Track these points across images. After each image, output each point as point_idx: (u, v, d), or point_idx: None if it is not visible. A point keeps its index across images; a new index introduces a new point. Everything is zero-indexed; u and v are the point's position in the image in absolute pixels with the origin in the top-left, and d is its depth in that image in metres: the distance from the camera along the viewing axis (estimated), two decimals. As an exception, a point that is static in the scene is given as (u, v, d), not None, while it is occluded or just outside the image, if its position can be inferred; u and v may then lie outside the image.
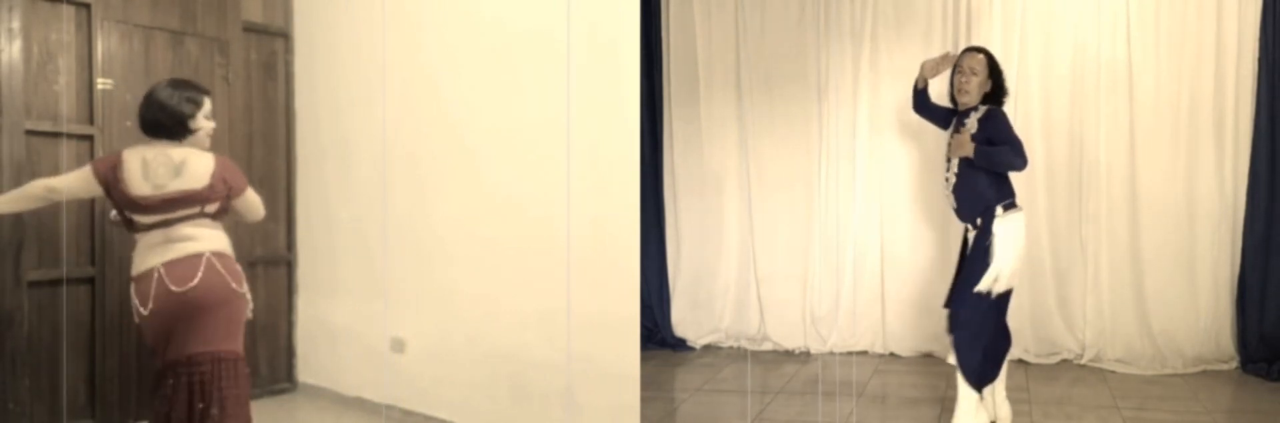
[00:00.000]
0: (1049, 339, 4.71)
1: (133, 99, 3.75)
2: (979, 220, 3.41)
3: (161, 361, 2.81)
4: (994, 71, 3.48)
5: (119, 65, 3.71)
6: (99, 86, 3.65)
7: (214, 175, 2.83)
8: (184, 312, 2.75)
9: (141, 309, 2.77)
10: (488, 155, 3.61)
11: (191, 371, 2.76)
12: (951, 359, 3.42)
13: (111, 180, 2.77)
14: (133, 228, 2.85)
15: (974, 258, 3.39)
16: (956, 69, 3.51)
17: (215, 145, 2.99)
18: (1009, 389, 3.63)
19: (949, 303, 3.46)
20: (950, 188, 3.49)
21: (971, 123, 3.45)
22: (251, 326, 3.09)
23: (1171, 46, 4.48)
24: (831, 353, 5.01)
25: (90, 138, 3.63)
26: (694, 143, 5.27)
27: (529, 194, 3.46)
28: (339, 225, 4.21)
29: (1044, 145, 4.61)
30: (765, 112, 5.14)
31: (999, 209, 3.38)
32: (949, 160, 3.50)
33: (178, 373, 2.76)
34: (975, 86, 3.45)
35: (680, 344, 5.21)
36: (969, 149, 3.38)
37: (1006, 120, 3.42)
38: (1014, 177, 3.46)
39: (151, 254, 2.79)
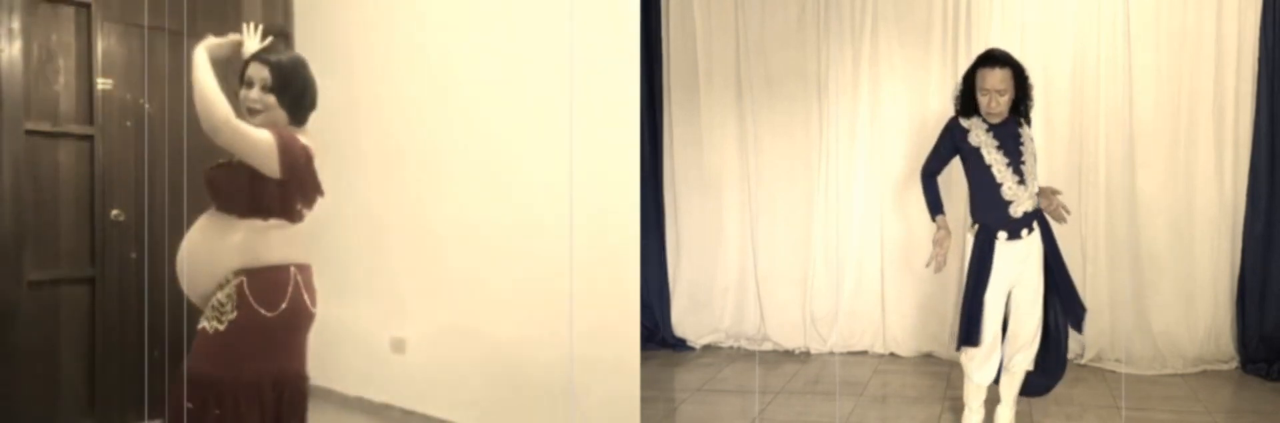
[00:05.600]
0: (1049, 339, 4.70)
1: (132, 99, 3.77)
2: (1024, 231, 3.23)
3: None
4: (1021, 84, 3.18)
5: (119, 65, 3.71)
6: (99, 87, 3.65)
7: None
8: None
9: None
10: (488, 155, 3.61)
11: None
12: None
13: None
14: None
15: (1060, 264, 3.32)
16: (977, 88, 3.17)
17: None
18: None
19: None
20: (1031, 191, 3.23)
21: (1028, 138, 3.27)
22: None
23: (1171, 46, 4.47)
24: (831, 353, 5.01)
25: (90, 138, 3.63)
26: (694, 143, 5.26)
27: (529, 194, 3.46)
28: (339, 225, 4.20)
29: (1044, 145, 4.60)
30: (765, 111, 5.13)
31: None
32: (1021, 170, 3.21)
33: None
34: (1006, 104, 3.18)
35: (680, 344, 5.21)
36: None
37: None
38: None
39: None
